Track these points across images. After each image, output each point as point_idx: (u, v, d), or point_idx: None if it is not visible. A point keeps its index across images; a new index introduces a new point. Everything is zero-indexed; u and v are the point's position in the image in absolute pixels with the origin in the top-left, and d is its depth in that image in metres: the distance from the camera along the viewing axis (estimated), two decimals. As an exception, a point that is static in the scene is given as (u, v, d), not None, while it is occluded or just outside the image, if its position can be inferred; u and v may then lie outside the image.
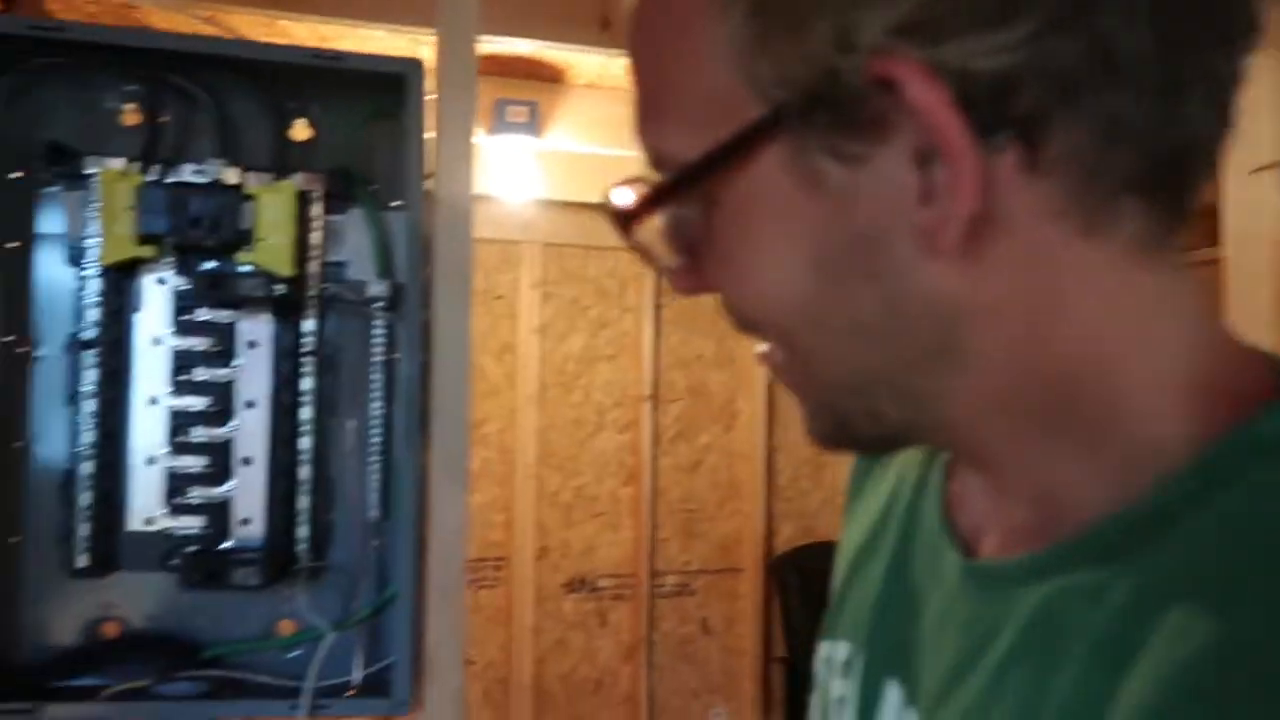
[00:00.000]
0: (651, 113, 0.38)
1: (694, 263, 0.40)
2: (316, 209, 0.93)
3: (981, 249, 0.34)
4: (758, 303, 0.38)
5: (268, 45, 0.92)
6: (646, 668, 3.38)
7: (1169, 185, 0.35)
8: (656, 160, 0.38)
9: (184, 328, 0.91)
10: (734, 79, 0.35)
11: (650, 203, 0.38)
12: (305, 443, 0.93)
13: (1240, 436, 0.34)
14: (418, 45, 1.79)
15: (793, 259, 0.36)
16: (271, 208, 0.89)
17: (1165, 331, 0.36)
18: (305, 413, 0.93)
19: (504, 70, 2.00)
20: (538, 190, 2.66)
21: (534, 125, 2.04)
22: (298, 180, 0.91)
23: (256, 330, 0.92)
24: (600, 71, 2.00)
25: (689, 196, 0.37)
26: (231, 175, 0.90)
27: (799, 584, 3.22)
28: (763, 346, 0.41)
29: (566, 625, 3.33)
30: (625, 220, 0.39)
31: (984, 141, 0.32)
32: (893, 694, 0.44)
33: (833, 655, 0.50)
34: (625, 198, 0.39)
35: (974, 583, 0.41)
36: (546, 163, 2.53)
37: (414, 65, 0.92)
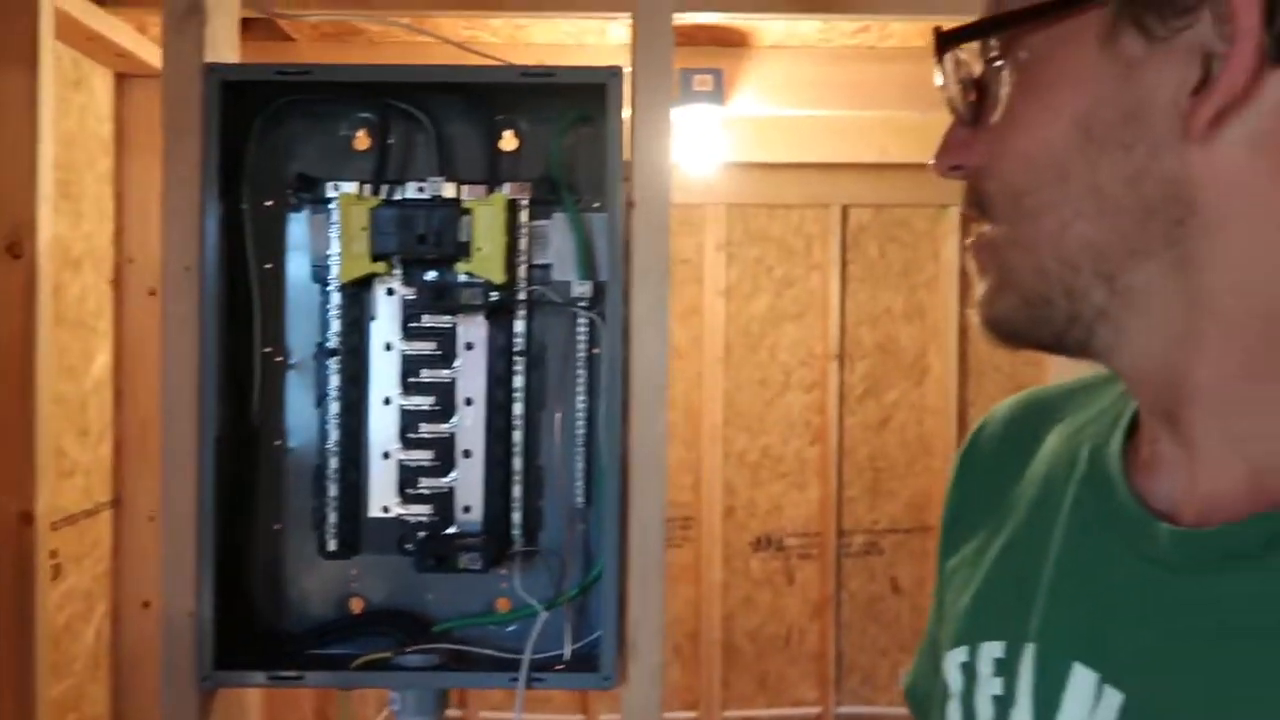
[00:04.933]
0: None
1: (972, 132, 0.44)
2: (523, 216, 0.98)
3: (1225, 134, 0.36)
4: (1015, 160, 0.41)
5: (481, 68, 0.98)
6: (835, 626, 3.40)
7: None
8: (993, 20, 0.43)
9: (410, 333, 0.99)
10: None
11: (975, 30, 0.42)
12: (517, 436, 1.00)
13: None
14: (607, 25, 1.83)
15: (1067, 115, 0.39)
16: (485, 219, 0.95)
17: None
18: (517, 408, 0.99)
19: (689, 39, 2.00)
20: (722, 155, 2.67)
21: (719, 94, 2.03)
22: (507, 190, 0.97)
23: (473, 333, 0.99)
24: (787, 32, 1.97)
25: (1009, 40, 0.41)
26: (449, 189, 0.97)
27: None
28: (983, 228, 0.44)
29: (754, 583, 3.39)
30: (946, 40, 0.43)
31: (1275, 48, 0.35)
32: (1082, 678, 0.44)
33: (976, 658, 0.49)
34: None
35: (1189, 552, 0.40)
36: (731, 126, 2.52)
37: (614, 74, 0.95)
